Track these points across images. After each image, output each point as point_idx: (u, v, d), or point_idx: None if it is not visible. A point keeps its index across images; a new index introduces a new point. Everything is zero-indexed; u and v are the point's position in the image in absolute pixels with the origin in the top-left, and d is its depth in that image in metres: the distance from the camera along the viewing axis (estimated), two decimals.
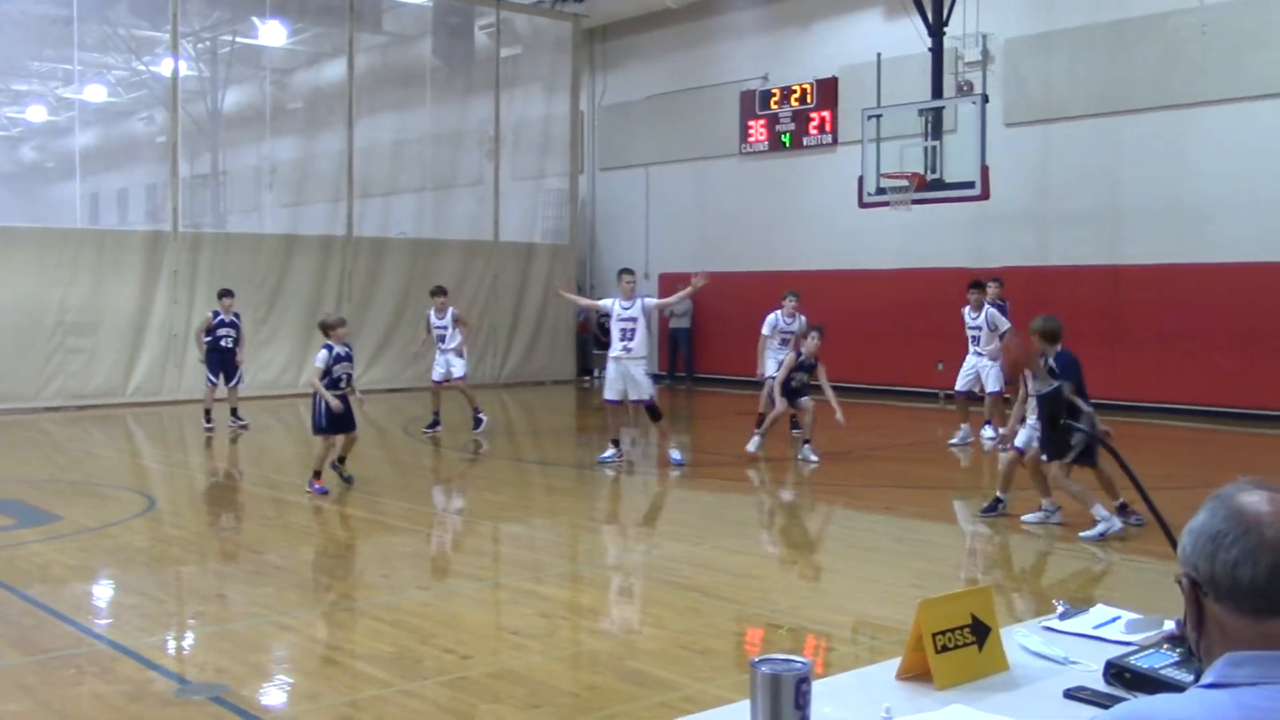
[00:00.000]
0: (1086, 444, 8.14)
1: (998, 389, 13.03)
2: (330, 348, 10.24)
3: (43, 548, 8.21)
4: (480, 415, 14.68)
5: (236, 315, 15.33)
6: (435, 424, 14.62)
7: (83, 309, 17.63)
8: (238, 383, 15.33)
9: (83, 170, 19.46)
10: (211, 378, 15.00)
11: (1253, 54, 15.20)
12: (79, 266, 17.63)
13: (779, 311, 14.02)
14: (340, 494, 10.44)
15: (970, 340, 13.46)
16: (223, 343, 15.05)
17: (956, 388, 13.64)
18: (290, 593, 7.20)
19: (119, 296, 17.92)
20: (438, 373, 14.65)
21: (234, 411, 15.22)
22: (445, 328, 14.68)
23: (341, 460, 10.55)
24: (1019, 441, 8.91)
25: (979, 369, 13.32)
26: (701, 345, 22.10)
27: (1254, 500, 1.58)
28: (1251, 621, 1.53)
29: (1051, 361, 8.36)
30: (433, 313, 14.83)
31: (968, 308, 13.53)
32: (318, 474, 10.29)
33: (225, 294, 15.33)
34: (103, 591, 7.47)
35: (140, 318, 18.09)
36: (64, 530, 8.85)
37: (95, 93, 23.59)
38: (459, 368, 14.65)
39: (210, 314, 15.29)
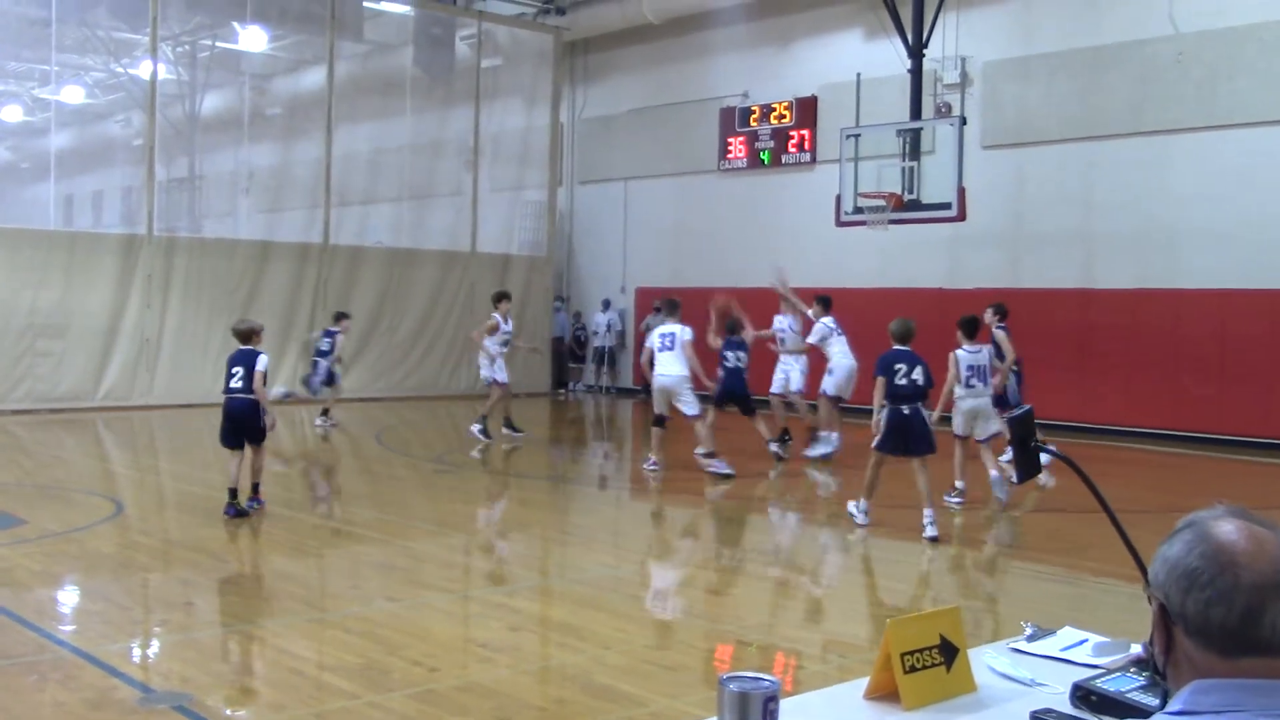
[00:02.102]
0: (901, 432, 9.25)
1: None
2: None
3: (7, 552, 8.11)
4: (515, 426, 15.35)
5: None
6: (512, 427, 15.37)
7: (54, 311, 17.47)
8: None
9: (58, 171, 19.31)
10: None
11: (1226, 83, 15.38)
12: (51, 268, 17.48)
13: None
14: (306, 504, 10.34)
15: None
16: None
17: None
18: (257, 602, 7.14)
19: (91, 300, 17.77)
20: (504, 375, 15.14)
21: (325, 412, 16.39)
22: (510, 334, 15.35)
23: (237, 493, 9.58)
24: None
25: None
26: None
27: (1231, 536, 1.54)
28: (1219, 658, 1.52)
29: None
30: (500, 317, 15.24)
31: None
32: (257, 486, 9.69)
33: (344, 316, 16.62)
34: (67, 597, 7.39)
35: (112, 321, 17.94)
36: (29, 535, 8.76)
37: (72, 94, 23.44)
38: (504, 373, 15.22)
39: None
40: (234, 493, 9.44)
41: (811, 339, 13.65)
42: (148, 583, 7.75)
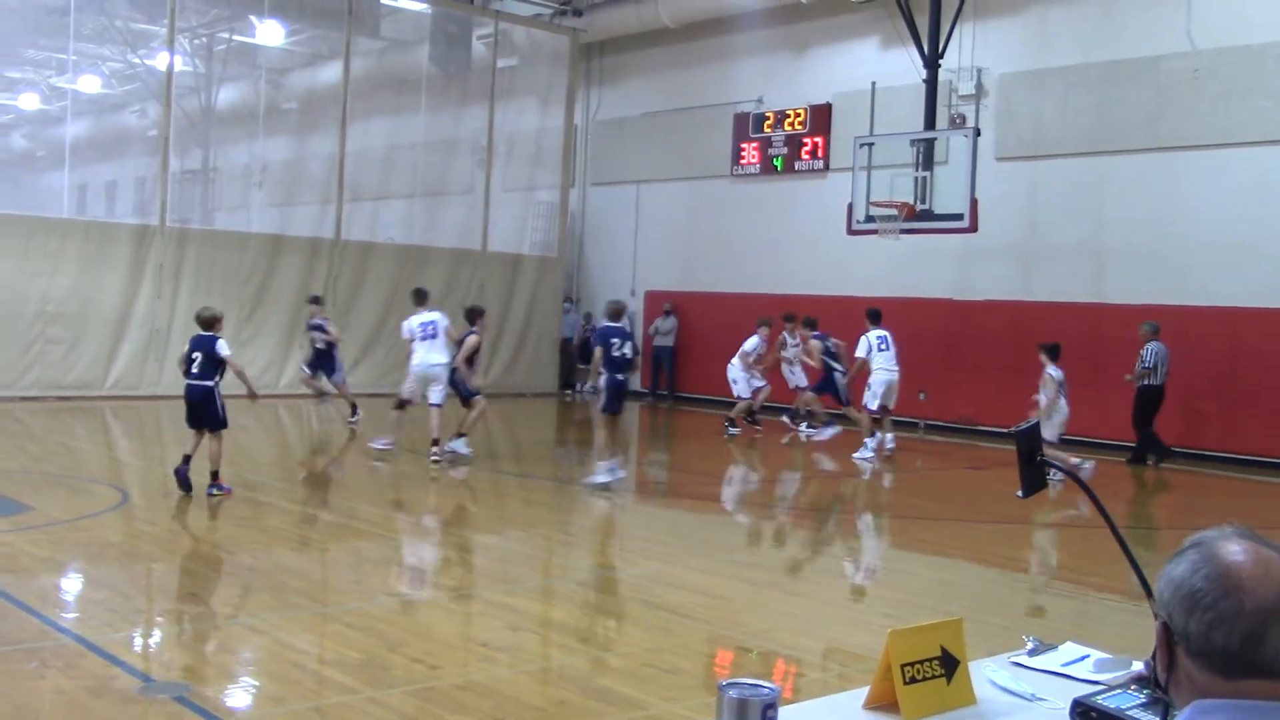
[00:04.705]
0: (617, 396, 11.39)
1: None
2: None
3: (13, 538, 8.14)
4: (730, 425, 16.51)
5: (325, 318, 16.41)
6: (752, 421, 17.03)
7: (65, 299, 17.52)
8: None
9: (72, 160, 19.38)
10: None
11: (1242, 100, 15.33)
12: (64, 257, 17.53)
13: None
14: (307, 498, 10.35)
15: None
16: (316, 344, 16.40)
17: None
18: (260, 594, 7.15)
19: (103, 289, 17.82)
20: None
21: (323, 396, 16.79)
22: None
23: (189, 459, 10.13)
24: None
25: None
26: (685, 364, 22.12)
27: (1237, 558, 1.53)
28: (1220, 679, 1.51)
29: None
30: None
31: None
32: (216, 474, 10.04)
33: (315, 300, 16.77)
34: (71, 585, 7.41)
35: (123, 311, 17.99)
36: (35, 521, 8.78)
37: (89, 83, 23.52)
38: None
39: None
40: (187, 459, 9.97)
41: (858, 352, 14.93)
42: (151, 572, 7.76)
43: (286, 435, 16.75)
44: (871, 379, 14.65)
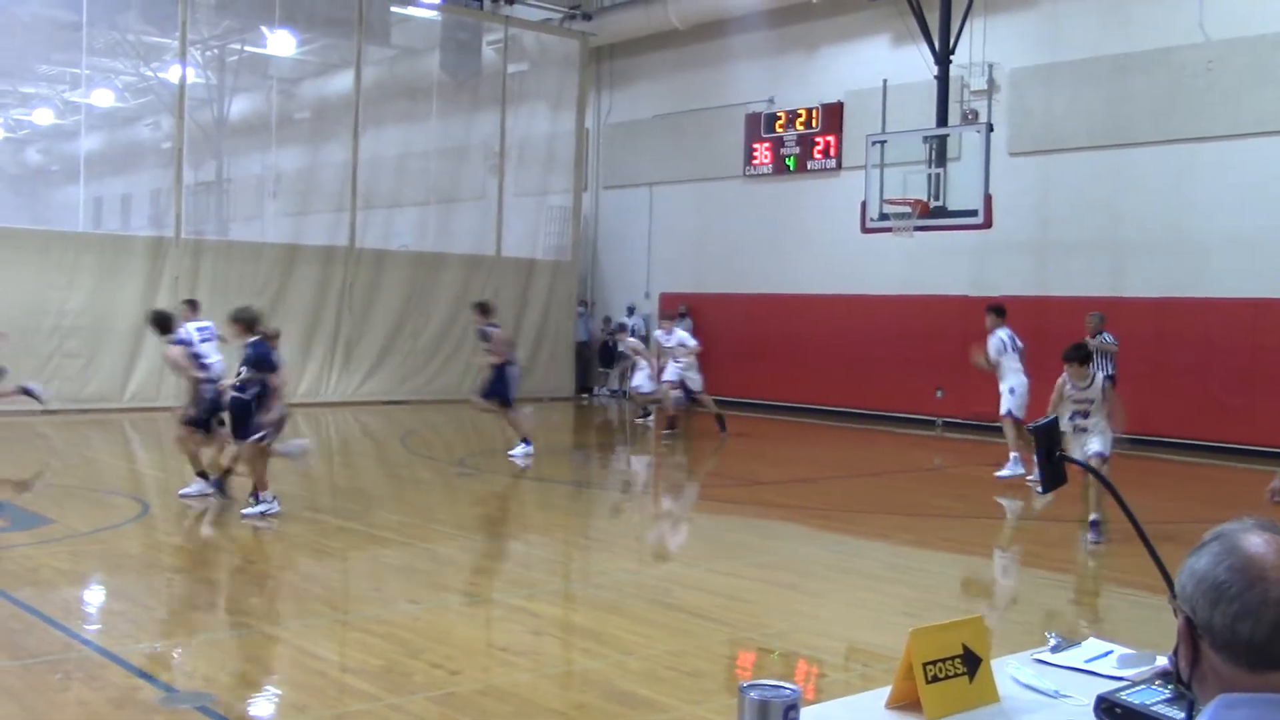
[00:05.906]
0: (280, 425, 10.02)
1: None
2: None
3: (34, 551, 8.18)
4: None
5: None
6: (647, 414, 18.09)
7: (82, 313, 17.61)
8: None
9: (87, 174, 19.47)
10: None
11: (1256, 91, 15.25)
12: (80, 270, 17.62)
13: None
14: (330, 506, 10.37)
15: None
16: None
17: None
18: (280, 603, 7.17)
19: (119, 301, 17.89)
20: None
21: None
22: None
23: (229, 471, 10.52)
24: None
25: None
26: (701, 366, 22.06)
27: (1260, 549, 1.53)
28: (1246, 672, 1.50)
29: (248, 350, 9.85)
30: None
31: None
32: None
33: None
34: (93, 597, 7.44)
35: (140, 323, 18.01)
36: (56, 534, 8.82)
37: (102, 97, 23.63)
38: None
39: None
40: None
41: (991, 354, 12.84)
42: (172, 583, 7.79)
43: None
44: (1014, 384, 12.59)
